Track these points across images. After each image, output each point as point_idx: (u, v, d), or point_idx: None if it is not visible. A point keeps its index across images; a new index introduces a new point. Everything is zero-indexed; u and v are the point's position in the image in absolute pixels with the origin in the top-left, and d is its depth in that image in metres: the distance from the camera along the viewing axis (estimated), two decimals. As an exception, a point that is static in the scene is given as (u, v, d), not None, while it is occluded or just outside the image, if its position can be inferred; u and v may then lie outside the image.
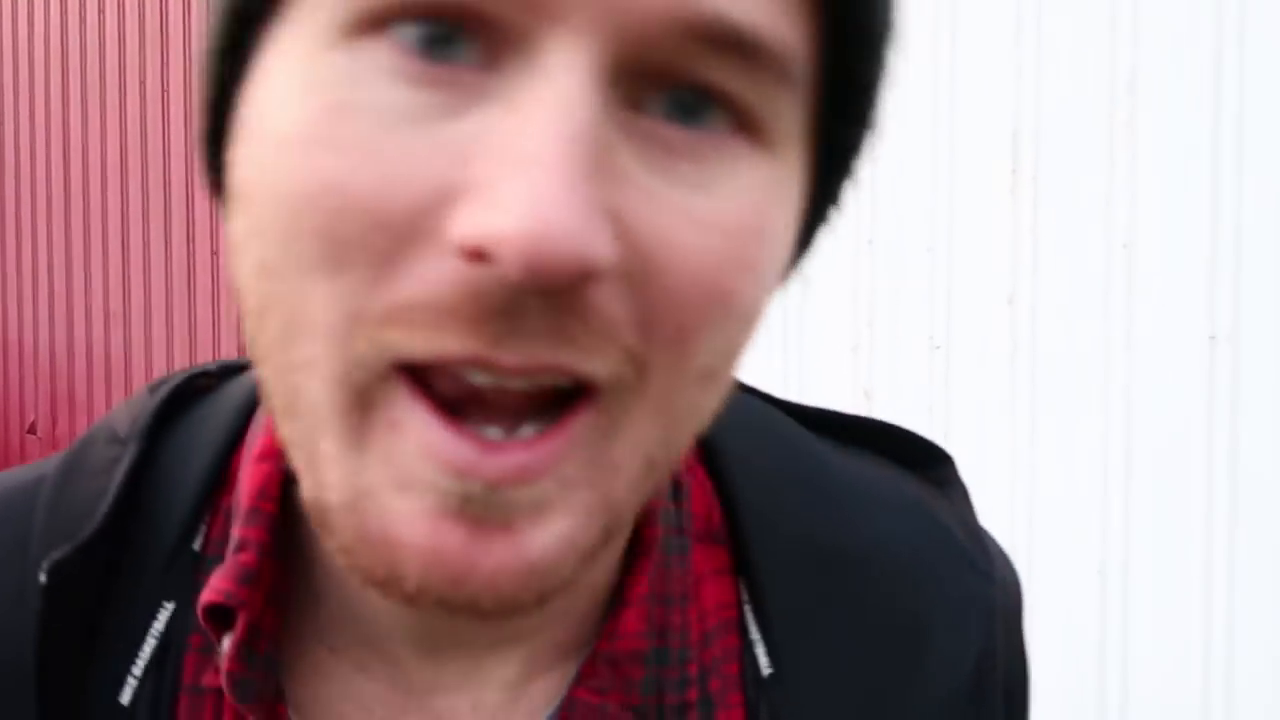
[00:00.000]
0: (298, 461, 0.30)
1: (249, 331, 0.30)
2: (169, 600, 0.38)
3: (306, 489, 0.30)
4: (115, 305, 4.45)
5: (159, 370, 4.28)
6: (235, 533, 0.37)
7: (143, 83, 4.32)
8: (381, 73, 0.27)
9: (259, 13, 0.30)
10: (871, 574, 0.43)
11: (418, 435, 0.27)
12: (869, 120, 0.33)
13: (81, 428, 4.56)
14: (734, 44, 0.27)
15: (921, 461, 0.48)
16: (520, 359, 0.27)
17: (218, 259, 4.13)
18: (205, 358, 4.20)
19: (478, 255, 0.25)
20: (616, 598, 0.39)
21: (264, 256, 0.29)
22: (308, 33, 0.29)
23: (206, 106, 0.33)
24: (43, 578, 0.36)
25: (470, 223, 0.25)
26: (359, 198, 0.26)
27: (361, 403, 0.28)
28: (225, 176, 0.32)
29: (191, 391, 0.43)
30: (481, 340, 0.26)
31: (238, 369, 0.44)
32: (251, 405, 0.41)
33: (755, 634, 0.40)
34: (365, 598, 0.36)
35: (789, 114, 0.30)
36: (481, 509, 0.27)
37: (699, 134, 0.29)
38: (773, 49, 0.28)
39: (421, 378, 0.28)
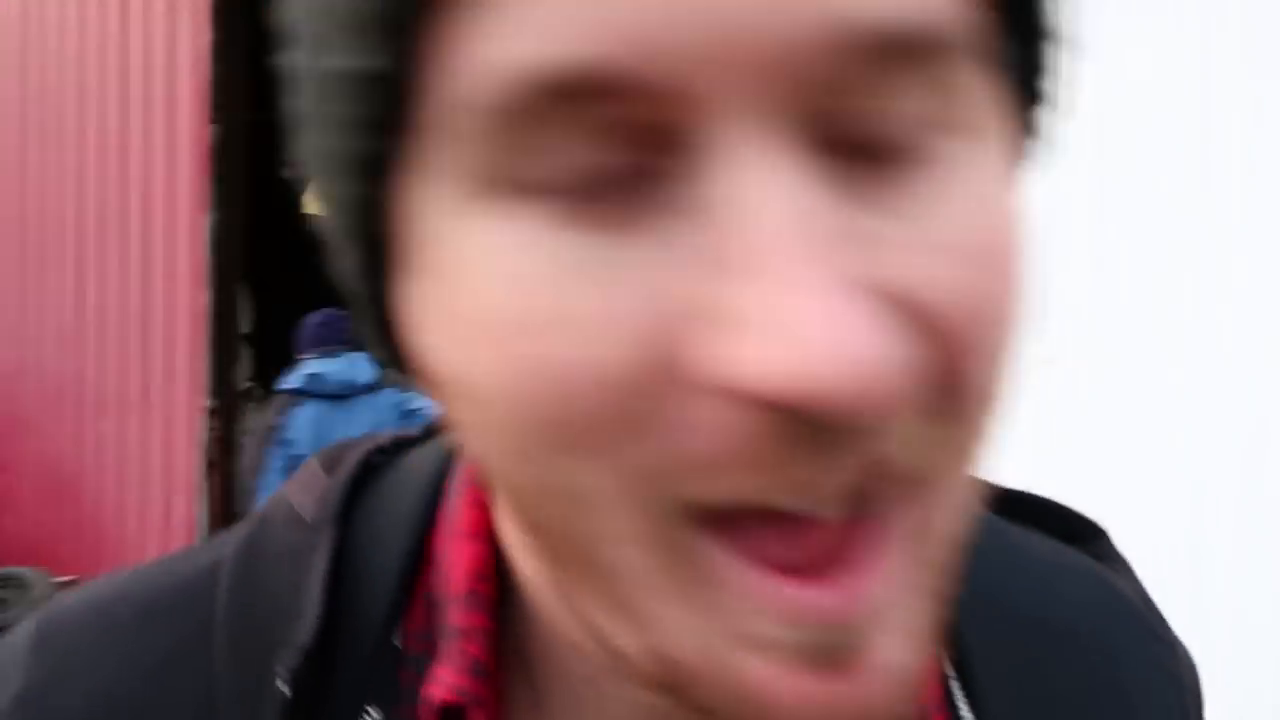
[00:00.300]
0: (597, 615, 0.27)
1: (496, 479, 0.28)
2: (374, 706, 0.34)
3: (627, 642, 0.26)
4: (68, 326, 4.39)
5: (114, 394, 4.21)
6: (454, 621, 0.33)
7: (101, 100, 4.28)
8: (549, 236, 0.23)
9: (383, 163, 0.25)
10: (1073, 646, 0.41)
11: (750, 590, 0.24)
12: (1048, 32, 0.27)
13: (35, 451, 4.47)
14: (905, 45, 0.22)
15: (1079, 535, 0.46)
16: (839, 480, 0.23)
17: (174, 282, 4.08)
18: (159, 382, 4.14)
19: (768, 403, 0.21)
20: None
21: (504, 448, 0.25)
22: (448, 193, 0.25)
23: (363, 281, 0.28)
24: (286, 690, 0.33)
25: (747, 368, 0.21)
26: (585, 381, 0.23)
27: (682, 561, 0.24)
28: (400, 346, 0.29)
29: (371, 467, 0.39)
30: (798, 475, 0.23)
31: (411, 441, 0.40)
32: (440, 478, 0.37)
33: (965, 710, 0.36)
34: (600, 697, 0.33)
35: (981, 90, 0.25)
36: (838, 650, 0.24)
37: (891, 167, 0.24)
38: (952, 35, 0.23)
39: (728, 527, 0.24)
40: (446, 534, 0.35)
